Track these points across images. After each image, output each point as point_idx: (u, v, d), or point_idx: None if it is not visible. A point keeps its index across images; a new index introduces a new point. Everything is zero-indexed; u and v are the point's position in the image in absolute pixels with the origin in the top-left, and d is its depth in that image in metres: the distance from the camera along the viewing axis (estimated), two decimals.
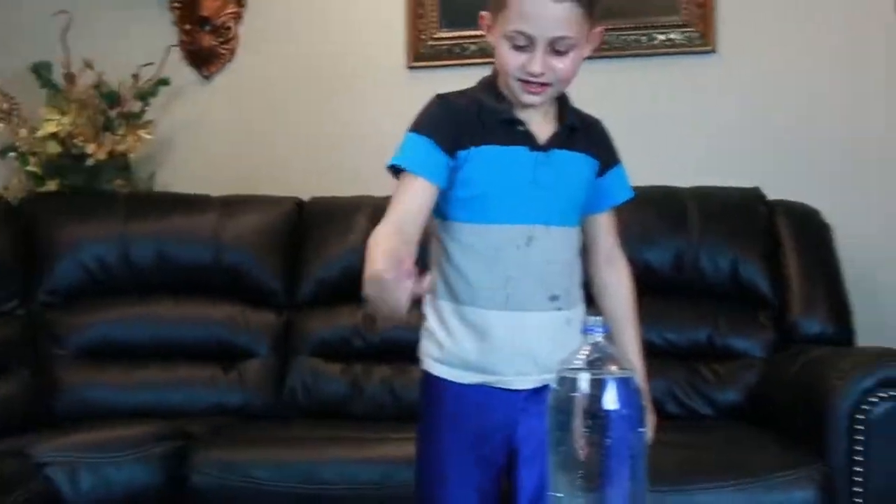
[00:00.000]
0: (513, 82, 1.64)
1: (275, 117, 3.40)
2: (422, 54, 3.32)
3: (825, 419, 2.18)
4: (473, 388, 1.67)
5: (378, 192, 2.99)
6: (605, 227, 1.79)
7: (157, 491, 2.42)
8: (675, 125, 3.19)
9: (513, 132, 1.66)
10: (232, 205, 3.08)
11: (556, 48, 1.60)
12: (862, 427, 2.14)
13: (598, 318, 1.30)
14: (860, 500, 2.14)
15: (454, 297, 1.68)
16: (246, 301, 2.99)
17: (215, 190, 3.15)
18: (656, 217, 2.88)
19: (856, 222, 2.99)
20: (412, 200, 1.63)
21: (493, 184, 1.65)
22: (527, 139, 1.66)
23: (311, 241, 3.02)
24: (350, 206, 3.01)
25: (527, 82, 1.62)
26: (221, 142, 3.42)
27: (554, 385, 1.29)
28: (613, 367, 1.28)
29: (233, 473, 2.34)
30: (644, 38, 3.23)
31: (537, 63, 1.60)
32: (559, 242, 1.68)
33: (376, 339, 2.84)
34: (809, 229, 2.89)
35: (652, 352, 2.73)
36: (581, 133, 1.71)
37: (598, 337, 1.30)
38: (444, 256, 1.70)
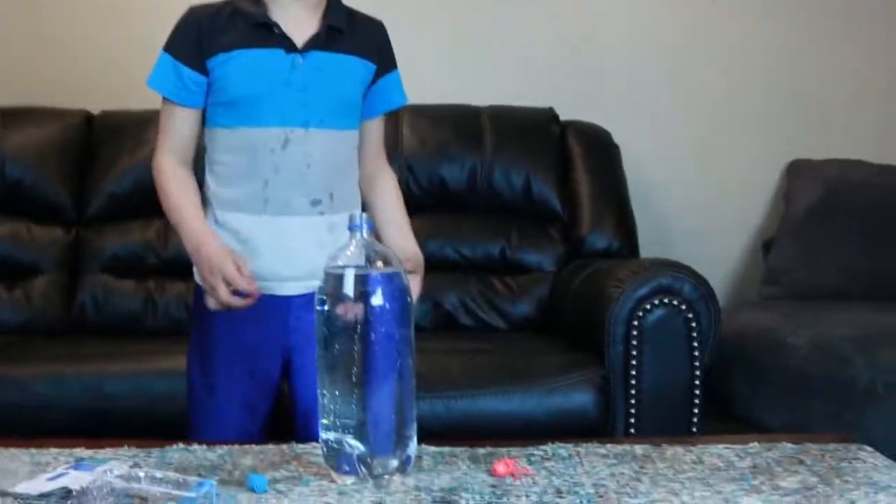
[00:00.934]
0: None
1: (64, 25, 3.23)
2: None
3: (603, 326, 2.28)
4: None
5: None
6: (372, 134, 1.76)
7: None
8: (475, 44, 3.22)
9: (268, 35, 1.62)
10: (15, 115, 2.94)
11: None
12: (637, 332, 2.25)
13: (363, 213, 1.31)
14: (634, 402, 2.26)
15: (219, 204, 1.67)
16: (31, 216, 2.88)
17: None
18: (453, 134, 2.93)
19: (642, 143, 3.13)
20: (181, 127, 1.67)
21: (245, 87, 1.62)
22: (282, 41, 1.62)
23: (102, 155, 2.93)
24: (141, 119, 2.90)
25: None
26: (4, 45, 3.22)
27: (319, 283, 1.30)
28: (380, 264, 1.30)
29: (11, 389, 2.25)
30: None
31: None
32: (321, 146, 1.65)
33: (170, 254, 2.79)
34: (599, 149, 3.00)
35: (446, 266, 2.83)
36: (349, 34, 1.66)
37: (365, 233, 1.31)
38: (209, 163, 1.69)
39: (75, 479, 1.28)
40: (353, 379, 1.26)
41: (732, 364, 2.66)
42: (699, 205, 3.20)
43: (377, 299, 1.27)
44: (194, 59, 1.63)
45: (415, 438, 1.31)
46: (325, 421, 1.29)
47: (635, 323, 2.26)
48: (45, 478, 1.31)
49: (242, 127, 1.64)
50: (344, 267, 1.28)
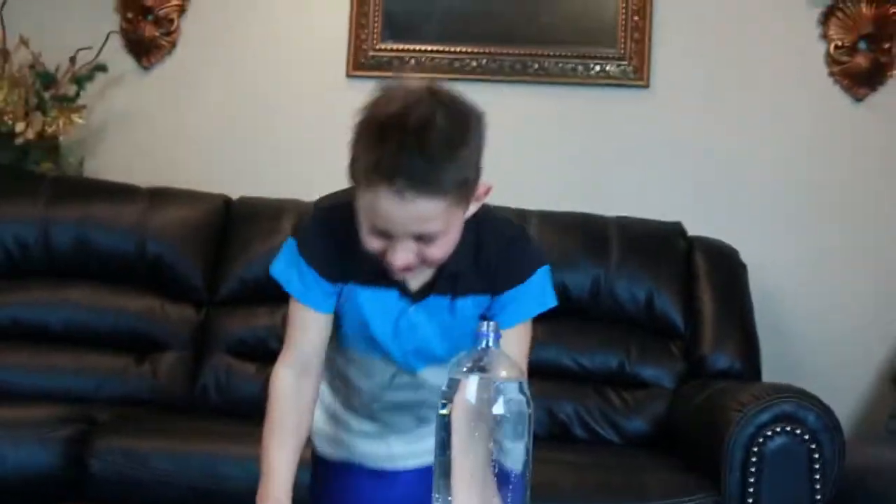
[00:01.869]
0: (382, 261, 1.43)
1: (210, 114, 3.39)
2: (362, 64, 3.35)
3: (721, 450, 2.22)
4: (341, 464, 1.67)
5: (306, 196, 3.04)
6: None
7: (55, 474, 2.39)
8: (605, 155, 3.25)
9: (384, 272, 1.46)
10: (160, 196, 3.07)
11: (422, 238, 1.38)
12: (756, 459, 2.19)
13: (492, 323, 1.30)
14: None
15: (334, 391, 1.67)
16: (166, 294, 2.97)
17: (144, 181, 3.14)
18: (578, 242, 2.93)
19: (771, 265, 3.08)
20: (310, 330, 1.53)
21: (355, 325, 1.53)
22: (396, 283, 1.49)
23: (237, 239, 3.02)
24: (277, 207, 3.02)
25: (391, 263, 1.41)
26: (155, 134, 3.40)
27: (443, 387, 1.30)
28: (503, 372, 1.30)
29: (132, 462, 2.32)
30: (581, 67, 3.29)
31: (398, 256, 1.38)
32: (431, 380, 1.55)
33: None
34: (725, 267, 2.96)
35: (564, 374, 2.81)
36: (470, 273, 1.49)
37: (491, 341, 1.30)
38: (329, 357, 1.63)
39: None
40: None
41: (854, 500, 2.55)
42: (826, 331, 3.12)
43: (497, 407, 1.27)
44: (328, 274, 1.50)
45: None
46: None
47: (755, 449, 2.20)
48: None
49: (353, 352, 1.58)
50: (468, 372, 1.29)
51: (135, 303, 2.95)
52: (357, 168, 1.37)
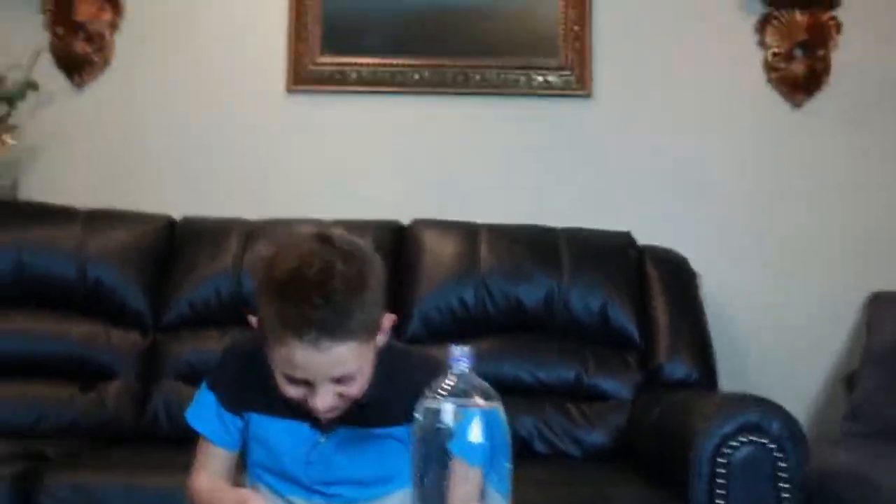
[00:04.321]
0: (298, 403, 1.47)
1: (147, 132, 3.30)
2: (302, 78, 3.29)
3: (688, 462, 2.21)
4: None
5: (250, 214, 2.99)
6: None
7: None
8: (551, 166, 3.24)
9: (295, 405, 1.47)
10: (99, 218, 2.98)
11: (341, 380, 1.43)
12: (723, 471, 2.19)
13: (464, 348, 1.27)
14: None
15: None
16: (109, 319, 2.88)
17: (82, 203, 3.04)
18: (529, 255, 2.91)
19: (721, 271, 3.10)
20: (218, 465, 1.58)
21: (264, 457, 1.55)
22: (307, 415, 1.48)
23: (182, 260, 2.94)
24: (222, 227, 2.95)
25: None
26: (91, 153, 3.29)
27: (418, 415, 1.27)
28: (478, 399, 1.26)
29: (84, 498, 2.24)
30: (523, 78, 3.28)
31: (321, 400, 1.42)
32: None
33: None
34: (677, 276, 2.97)
35: (522, 389, 2.79)
36: (388, 402, 1.48)
37: (464, 367, 1.27)
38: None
39: None
40: None
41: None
42: (778, 335, 3.15)
43: (475, 434, 1.24)
44: (234, 406, 1.55)
45: None
46: None
47: (721, 461, 2.19)
48: None
49: (266, 487, 1.56)
50: (443, 400, 1.25)
51: (77, 328, 2.85)
52: (268, 326, 1.41)
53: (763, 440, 2.20)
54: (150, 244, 2.96)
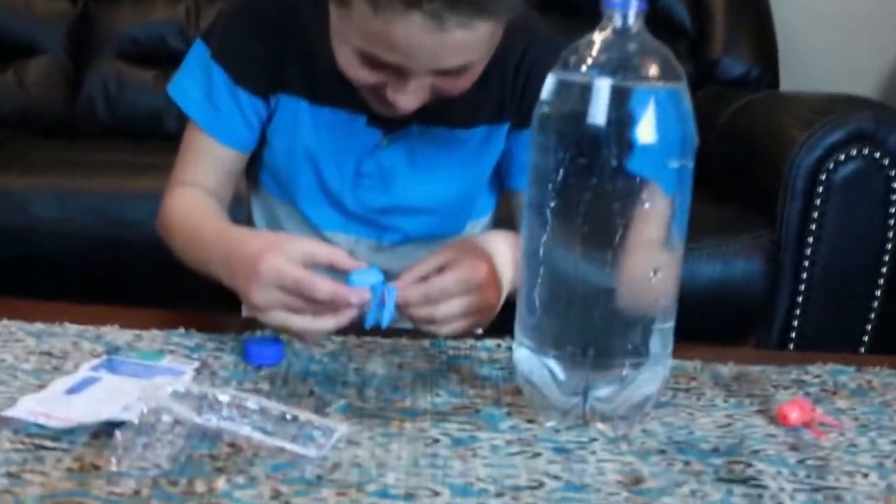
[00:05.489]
0: (363, 91, 1.00)
1: None
2: None
3: (780, 177, 1.76)
4: None
5: None
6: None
7: None
8: None
9: (349, 89, 1.00)
10: None
11: (448, 72, 0.95)
12: (822, 189, 1.74)
13: None
14: (805, 276, 1.77)
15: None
16: None
17: None
18: None
19: None
20: (215, 174, 1.08)
21: (298, 162, 1.07)
22: (365, 105, 1.03)
23: None
24: None
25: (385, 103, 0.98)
26: None
27: (545, 96, 0.78)
28: (652, 71, 0.77)
29: (8, 209, 1.81)
30: None
31: (408, 98, 0.95)
32: (405, 262, 0.99)
33: None
34: None
35: None
36: (476, 93, 1.01)
37: (630, 16, 0.79)
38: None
39: (112, 391, 0.79)
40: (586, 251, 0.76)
41: None
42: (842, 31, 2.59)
43: (646, 131, 0.75)
44: (256, 83, 1.05)
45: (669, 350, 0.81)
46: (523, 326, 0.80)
47: (822, 177, 1.74)
48: (61, 387, 0.80)
49: (298, 210, 1.11)
50: (595, 71, 0.75)
51: None
52: None
53: (876, 153, 1.74)
54: None
